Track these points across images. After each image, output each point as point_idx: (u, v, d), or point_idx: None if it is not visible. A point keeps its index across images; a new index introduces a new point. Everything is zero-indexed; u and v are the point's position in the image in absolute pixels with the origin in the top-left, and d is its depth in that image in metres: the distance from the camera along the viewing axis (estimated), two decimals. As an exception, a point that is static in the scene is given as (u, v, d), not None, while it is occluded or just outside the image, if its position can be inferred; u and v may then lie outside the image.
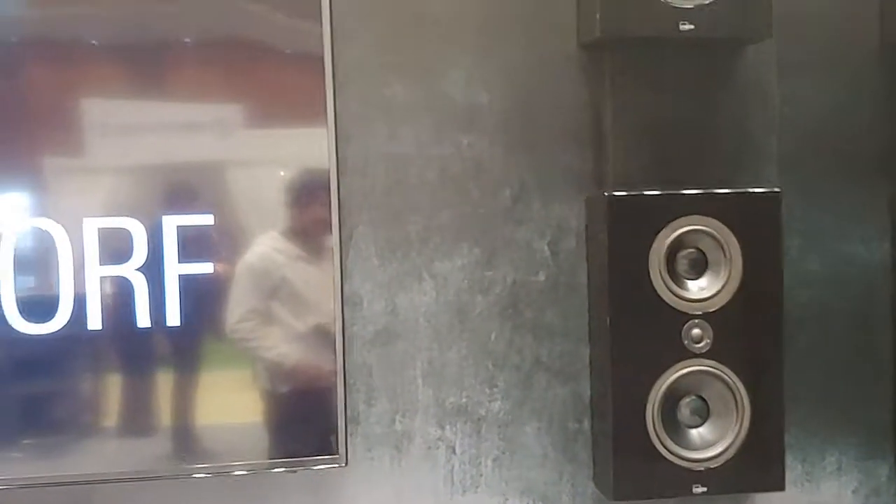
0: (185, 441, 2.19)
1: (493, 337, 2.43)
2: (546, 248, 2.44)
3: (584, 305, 2.43)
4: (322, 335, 2.20)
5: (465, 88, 2.41)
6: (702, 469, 2.27)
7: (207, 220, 2.13)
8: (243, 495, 2.33)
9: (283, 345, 2.20)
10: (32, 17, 2.13)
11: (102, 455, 2.15)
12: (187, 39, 2.16)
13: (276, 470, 2.20)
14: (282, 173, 2.19)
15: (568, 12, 2.42)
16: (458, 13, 2.41)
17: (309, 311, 2.21)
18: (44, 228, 2.08)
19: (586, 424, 2.45)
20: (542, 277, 2.44)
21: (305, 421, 2.23)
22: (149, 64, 2.16)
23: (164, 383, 2.17)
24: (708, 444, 2.30)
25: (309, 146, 2.19)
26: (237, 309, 2.17)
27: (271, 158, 2.20)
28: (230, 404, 2.22)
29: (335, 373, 2.19)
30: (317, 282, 2.20)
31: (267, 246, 2.19)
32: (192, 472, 2.17)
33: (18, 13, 2.13)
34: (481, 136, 2.41)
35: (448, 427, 2.42)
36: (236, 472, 2.18)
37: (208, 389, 2.20)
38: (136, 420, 2.17)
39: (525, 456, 2.45)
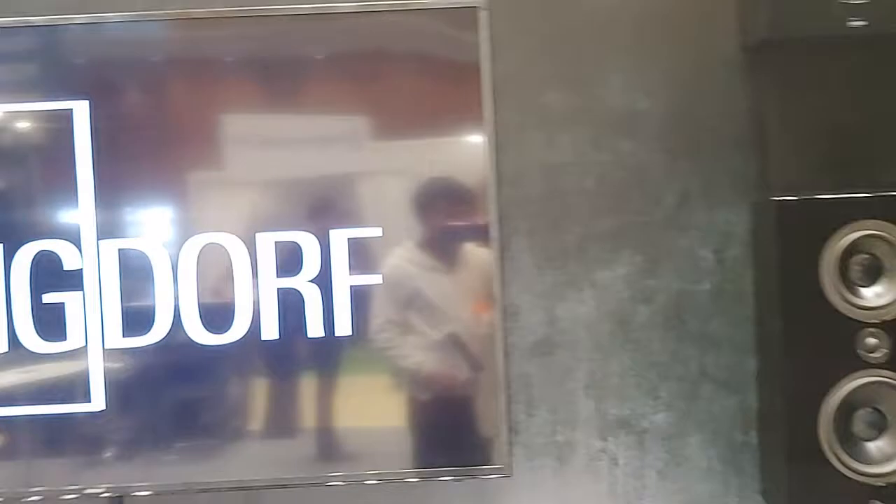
0: (348, 447, 2.21)
1: (656, 347, 2.38)
2: (711, 255, 2.38)
3: (751, 314, 2.36)
4: (477, 344, 2.18)
5: (624, 94, 2.38)
6: (882, 484, 2.17)
7: (376, 232, 2.16)
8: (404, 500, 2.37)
9: (420, 353, 2.20)
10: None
11: (277, 460, 2.19)
12: (346, 53, 2.19)
13: (443, 479, 2.19)
14: (434, 182, 2.19)
15: (728, 13, 2.36)
16: (614, 18, 2.38)
17: (447, 320, 2.19)
18: (220, 243, 2.15)
19: (753, 436, 2.38)
20: (706, 286, 2.38)
21: (461, 430, 2.22)
22: (323, 79, 2.20)
23: (334, 391, 2.20)
24: (886, 458, 2.19)
25: (463, 155, 2.19)
26: (374, 319, 2.19)
27: (422, 168, 2.20)
28: (384, 412, 2.23)
29: (497, 383, 2.17)
30: (453, 292, 2.20)
31: (398, 257, 2.19)
32: (363, 479, 2.18)
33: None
34: (642, 141, 2.37)
35: (610, 439, 2.39)
36: (407, 480, 2.18)
37: (363, 396, 2.21)
38: (307, 427, 2.21)
39: (690, 468, 2.40)
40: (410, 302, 2.19)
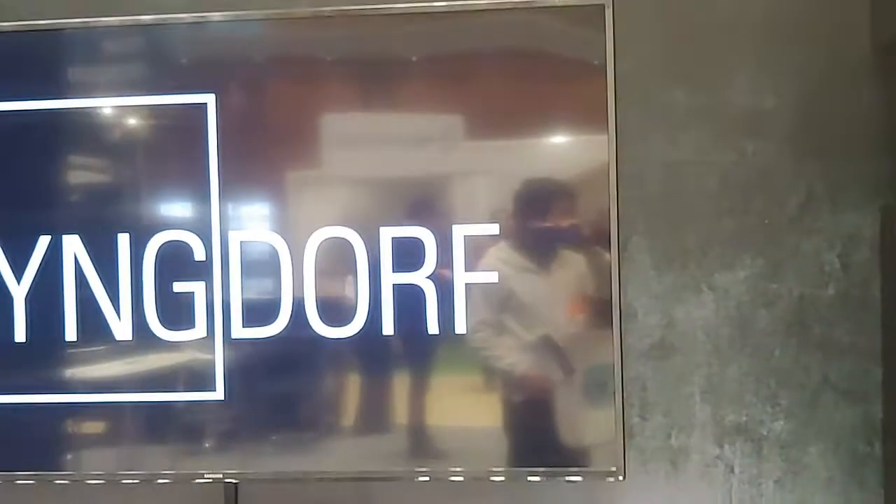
0: (455, 444, 2.21)
1: (776, 353, 2.32)
2: (836, 259, 2.31)
3: (878, 321, 2.28)
4: (571, 346, 2.16)
5: (750, 93, 2.32)
6: None
7: (493, 229, 2.15)
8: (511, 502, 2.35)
9: (515, 354, 2.18)
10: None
11: (382, 453, 2.20)
12: (463, 51, 2.18)
13: (567, 479, 2.17)
14: (550, 181, 2.17)
15: (860, 11, 2.29)
16: (741, 15, 2.33)
17: (543, 322, 2.17)
18: (343, 237, 2.16)
19: (878, 448, 2.30)
20: (831, 291, 2.31)
21: (573, 432, 2.19)
22: (445, 77, 2.20)
23: (444, 387, 2.21)
24: None
25: (585, 154, 2.16)
26: (469, 319, 2.17)
27: (539, 167, 2.18)
28: (488, 412, 2.22)
29: (613, 385, 2.13)
30: (547, 292, 2.17)
31: (493, 257, 2.17)
32: (489, 476, 2.18)
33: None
34: (767, 142, 2.31)
35: (727, 445, 2.34)
36: (529, 479, 2.16)
37: (469, 394, 2.21)
38: (415, 423, 2.22)
39: (809, 479, 2.33)
40: (506, 303, 2.17)
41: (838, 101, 2.30)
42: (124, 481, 2.22)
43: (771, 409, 2.33)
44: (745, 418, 2.33)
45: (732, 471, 2.34)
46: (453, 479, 2.16)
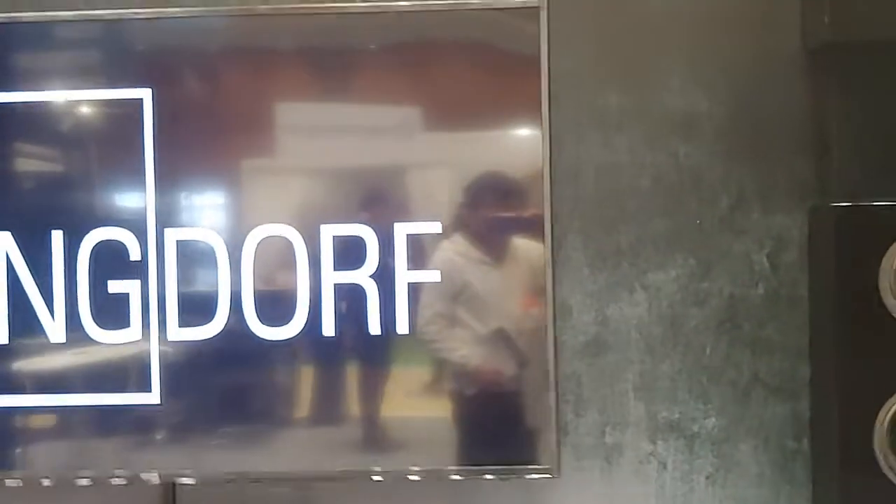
0: (393, 438, 2.23)
1: (708, 351, 2.36)
2: (765, 259, 2.35)
3: (805, 320, 2.33)
4: (524, 340, 2.18)
5: (681, 95, 2.36)
6: (936, 497, 2.14)
7: (435, 227, 2.16)
8: (449, 499, 2.37)
9: (467, 347, 2.20)
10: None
11: (324, 450, 2.21)
12: (407, 43, 2.20)
13: (487, 477, 2.20)
14: (488, 175, 2.19)
15: (791, 12, 2.33)
16: (674, 16, 2.36)
17: (495, 315, 2.19)
18: (283, 235, 2.16)
19: (805, 444, 2.35)
20: (760, 290, 2.35)
21: (508, 427, 2.22)
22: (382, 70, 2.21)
23: (383, 383, 2.22)
24: (944, 470, 2.16)
25: (519, 150, 2.19)
26: (424, 312, 2.19)
27: (476, 161, 2.20)
28: (429, 406, 2.23)
29: (547, 383, 2.16)
30: (502, 286, 2.19)
31: (449, 251, 2.19)
32: (406, 473, 2.19)
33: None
34: (698, 143, 2.35)
35: (660, 442, 2.37)
36: (451, 477, 2.19)
37: (409, 389, 2.23)
38: (353, 417, 2.23)
39: (740, 475, 2.37)
40: (458, 295, 2.19)
41: (769, 103, 2.35)
42: (45, 483, 2.20)
43: (703, 405, 2.37)
44: (677, 415, 2.37)
45: (665, 467, 2.38)
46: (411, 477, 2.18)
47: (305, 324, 2.15)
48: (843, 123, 2.27)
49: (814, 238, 2.30)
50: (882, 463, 2.14)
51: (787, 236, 2.34)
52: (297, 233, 2.15)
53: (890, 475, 2.14)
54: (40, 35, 2.21)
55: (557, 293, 2.29)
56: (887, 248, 2.12)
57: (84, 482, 2.19)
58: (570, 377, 2.36)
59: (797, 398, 2.35)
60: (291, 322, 2.15)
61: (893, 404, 2.13)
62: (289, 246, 2.15)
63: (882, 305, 2.13)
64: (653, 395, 2.37)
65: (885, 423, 2.13)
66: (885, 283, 2.12)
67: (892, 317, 2.12)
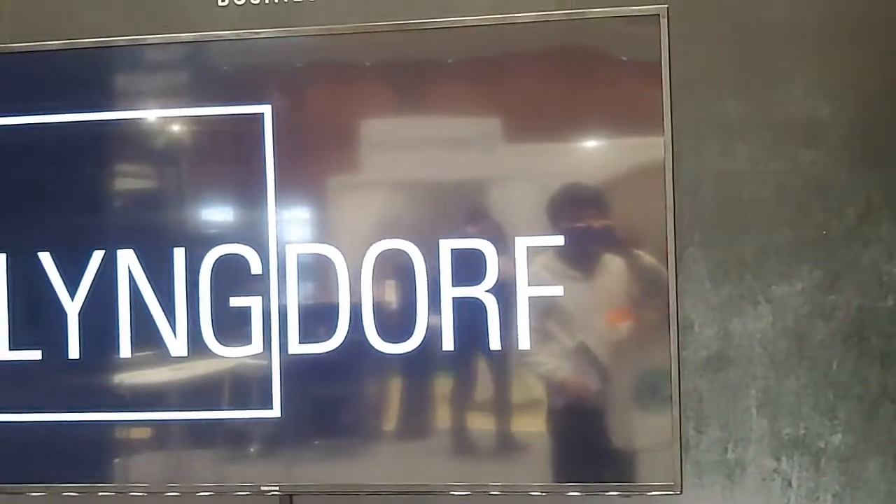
0: (515, 455, 2.20)
1: (834, 365, 2.30)
2: (895, 270, 2.28)
3: (939, 333, 2.25)
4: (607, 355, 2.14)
5: (804, 101, 2.29)
6: None
7: (558, 241, 2.13)
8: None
9: (561, 362, 2.16)
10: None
11: (435, 464, 2.20)
12: (514, 52, 2.16)
13: (609, 493, 2.16)
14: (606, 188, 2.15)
15: (916, 16, 2.25)
16: (796, 20, 2.30)
17: (585, 329, 2.15)
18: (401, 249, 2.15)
19: (937, 462, 2.27)
20: (890, 302, 2.28)
21: (627, 444, 2.17)
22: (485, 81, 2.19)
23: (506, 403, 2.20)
24: None
25: (640, 162, 2.13)
26: (544, 327, 2.16)
27: (595, 172, 2.16)
28: (550, 424, 2.20)
29: (670, 399, 2.11)
30: (591, 301, 2.15)
31: (539, 265, 2.15)
32: (528, 490, 2.16)
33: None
34: (823, 150, 2.28)
35: (784, 459, 2.31)
36: (571, 493, 2.15)
37: (530, 408, 2.20)
38: (480, 435, 2.21)
39: (868, 492, 2.30)
40: (550, 311, 2.16)
41: (894, 108, 2.27)
42: (168, 493, 2.22)
43: (829, 421, 2.30)
44: (802, 431, 2.30)
45: (790, 485, 2.31)
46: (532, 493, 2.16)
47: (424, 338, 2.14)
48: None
49: (948, 248, 2.22)
50: None
51: (918, 246, 2.27)
52: (415, 247, 2.14)
53: None
54: (158, 56, 2.25)
55: (679, 308, 2.24)
56: None
57: (206, 493, 2.21)
58: (691, 393, 2.31)
59: (929, 414, 2.27)
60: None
61: None
62: (408, 260, 2.14)
63: None
64: (777, 411, 2.31)
65: None
66: None
67: None
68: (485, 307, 2.12)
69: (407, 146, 2.21)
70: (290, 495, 2.21)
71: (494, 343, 2.13)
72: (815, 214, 2.29)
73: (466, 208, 2.17)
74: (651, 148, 2.10)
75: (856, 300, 2.28)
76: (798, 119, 2.29)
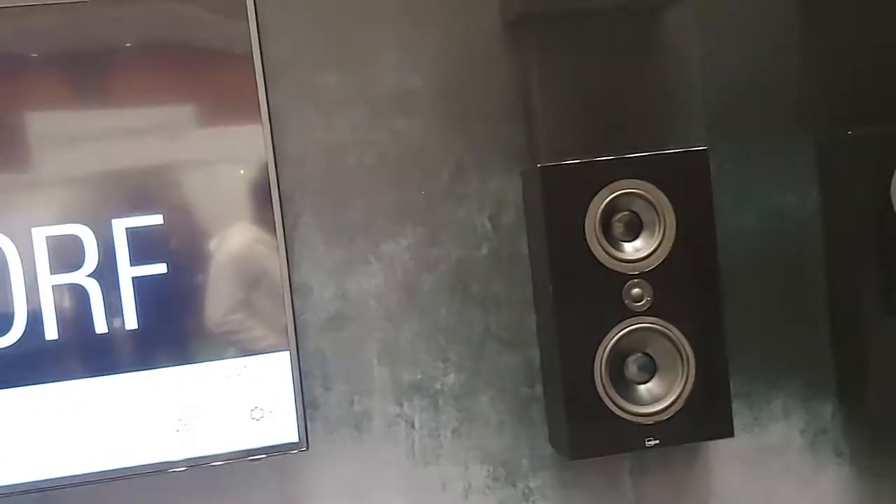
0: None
1: (442, 312, 2.50)
2: (487, 222, 2.50)
3: (528, 275, 2.50)
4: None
5: (396, 72, 2.47)
6: (651, 423, 2.35)
7: (157, 220, 2.17)
8: (209, 483, 2.41)
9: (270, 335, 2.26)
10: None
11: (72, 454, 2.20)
12: (127, 44, 2.19)
13: (240, 460, 2.25)
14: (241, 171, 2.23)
15: (487, -10, 2.48)
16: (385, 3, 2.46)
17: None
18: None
19: (539, 389, 2.52)
20: (484, 251, 2.50)
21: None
22: (88, 72, 2.18)
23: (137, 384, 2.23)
24: (657, 399, 2.37)
25: (248, 142, 2.23)
26: (224, 302, 2.23)
27: (216, 157, 2.24)
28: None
29: (289, 360, 2.24)
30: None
31: (247, 237, 2.23)
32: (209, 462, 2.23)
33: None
34: (416, 118, 2.47)
35: (406, 403, 2.49)
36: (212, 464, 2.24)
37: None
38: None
39: (482, 425, 2.52)
40: (257, 282, 2.24)
41: (477, 77, 2.49)
42: None
43: (442, 364, 2.50)
44: (420, 376, 2.50)
45: (413, 426, 2.50)
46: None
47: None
48: (543, 90, 2.43)
49: (527, 199, 2.47)
50: (604, 398, 2.34)
51: (505, 199, 2.50)
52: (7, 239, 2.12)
53: (612, 408, 2.35)
54: None
55: (297, 274, 2.37)
56: (590, 201, 2.32)
57: None
58: (315, 353, 2.44)
59: (527, 348, 2.52)
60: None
61: (608, 343, 2.33)
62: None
63: (590, 253, 2.32)
64: (395, 360, 2.48)
65: (603, 362, 2.33)
66: (590, 233, 2.31)
67: (600, 263, 2.32)
68: (87, 292, 2.16)
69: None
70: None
71: (101, 326, 2.16)
72: (414, 177, 2.48)
73: (62, 196, 2.17)
74: (251, 125, 2.20)
75: (455, 252, 2.50)
76: (392, 90, 2.47)
